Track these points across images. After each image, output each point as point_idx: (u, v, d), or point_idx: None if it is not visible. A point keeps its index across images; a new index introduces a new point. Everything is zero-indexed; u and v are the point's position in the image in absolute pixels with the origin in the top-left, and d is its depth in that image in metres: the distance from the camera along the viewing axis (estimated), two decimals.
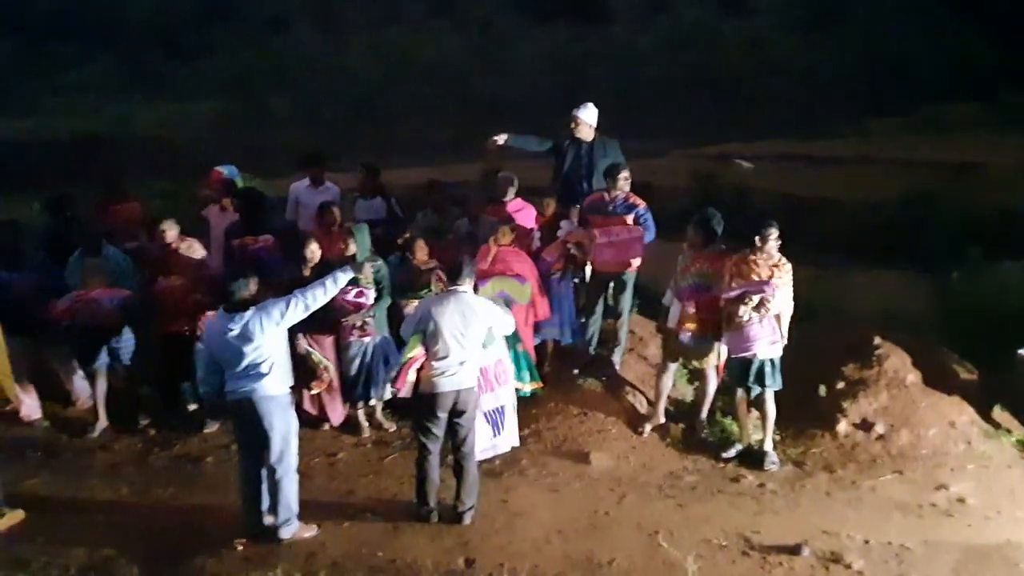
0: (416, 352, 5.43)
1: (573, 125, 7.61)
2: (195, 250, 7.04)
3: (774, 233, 6.39)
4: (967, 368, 7.48)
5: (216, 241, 7.56)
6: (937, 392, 7.08)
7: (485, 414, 5.90)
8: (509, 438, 6.10)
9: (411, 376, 5.42)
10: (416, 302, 6.31)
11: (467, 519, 5.51)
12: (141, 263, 7.01)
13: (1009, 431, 6.97)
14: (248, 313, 5.17)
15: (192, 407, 7.01)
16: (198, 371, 5.49)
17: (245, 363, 5.15)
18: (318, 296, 5.29)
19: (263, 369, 5.16)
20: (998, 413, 7.09)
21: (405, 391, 5.44)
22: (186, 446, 6.74)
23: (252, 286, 5.27)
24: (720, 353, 6.72)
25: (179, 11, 30.78)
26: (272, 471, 5.26)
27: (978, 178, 14.34)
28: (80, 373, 7.16)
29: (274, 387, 5.22)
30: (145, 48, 30.10)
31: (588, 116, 7.61)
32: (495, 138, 7.66)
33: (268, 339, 5.15)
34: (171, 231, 6.96)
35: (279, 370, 5.24)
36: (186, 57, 29.88)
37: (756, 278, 6.36)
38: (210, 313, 5.90)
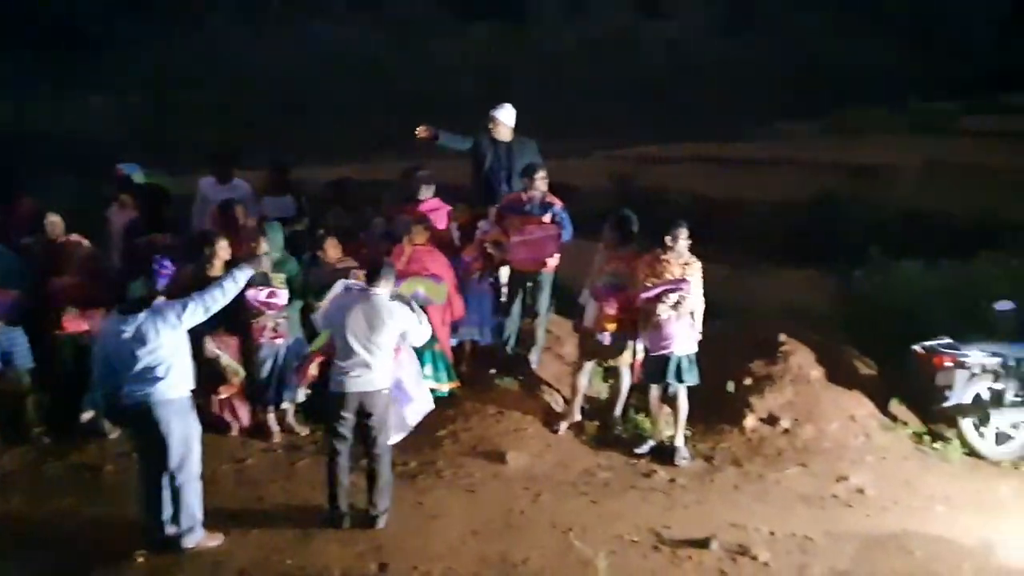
0: (320, 347, 5.37)
1: (492, 125, 7.59)
2: (84, 246, 6.77)
3: (684, 233, 6.57)
4: (867, 363, 7.76)
5: (115, 239, 7.30)
6: (839, 387, 7.33)
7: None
8: (420, 406, 5.92)
9: (313, 370, 5.33)
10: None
11: (381, 523, 5.44)
12: (32, 261, 6.70)
13: (906, 424, 7.26)
14: (142, 315, 4.99)
15: (89, 413, 6.73)
16: (94, 375, 5.26)
17: (140, 366, 4.97)
18: (217, 298, 5.14)
19: (159, 372, 4.98)
20: (895, 406, 7.36)
21: (304, 384, 5.36)
22: (84, 454, 6.46)
23: (149, 287, 5.11)
24: (636, 351, 6.81)
25: (87, 2, 29.61)
26: (173, 478, 5.08)
27: (883, 180, 14.92)
28: None
29: (172, 390, 5.03)
30: (51, 40, 28.84)
31: (506, 117, 7.61)
32: (423, 127, 7.58)
33: (164, 342, 4.98)
34: (59, 225, 6.67)
35: (177, 373, 5.06)
36: (94, 50, 28.74)
37: (669, 277, 6.50)
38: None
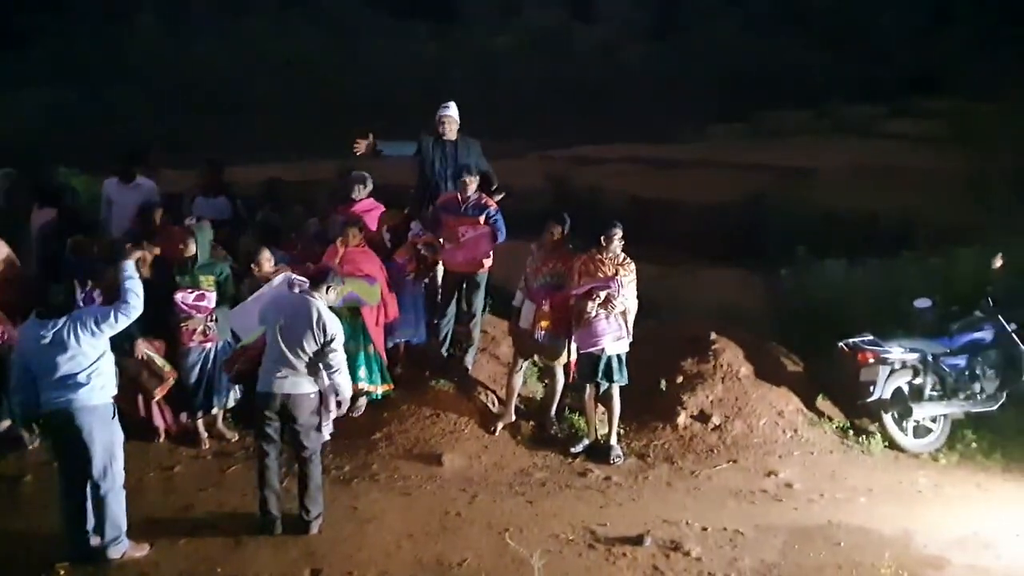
0: (252, 341, 5.35)
1: (443, 123, 7.47)
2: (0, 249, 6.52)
3: (618, 234, 6.67)
4: (794, 360, 7.96)
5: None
6: (767, 384, 7.50)
7: None
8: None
9: (240, 364, 5.26)
10: None
11: (314, 528, 5.37)
12: None
13: (831, 419, 7.47)
14: (62, 320, 4.84)
15: (6, 423, 6.47)
16: (11, 381, 5.06)
17: (60, 373, 4.82)
18: (132, 301, 4.98)
19: (81, 379, 4.83)
20: (821, 402, 7.58)
21: (232, 376, 5.41)
22: (2, 465, 6.23)
23: (68, 291, 4.95)
24: (571, 351, 6.87)
25: None
26: (96, 487, 4.93)
27: (808, 182, 15.28)
28: None
29: (94, 397, 4.89)
30: None
31: (454, 114, 7.53)
32: (360, 141, 7.39)
33: (85, 348, 4.84)
34: None
35: (100, 379, 4.91)
36: (13, 44, 27.63)
37: (602, 276, 6.57)
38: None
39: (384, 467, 6.37)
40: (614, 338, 6.58)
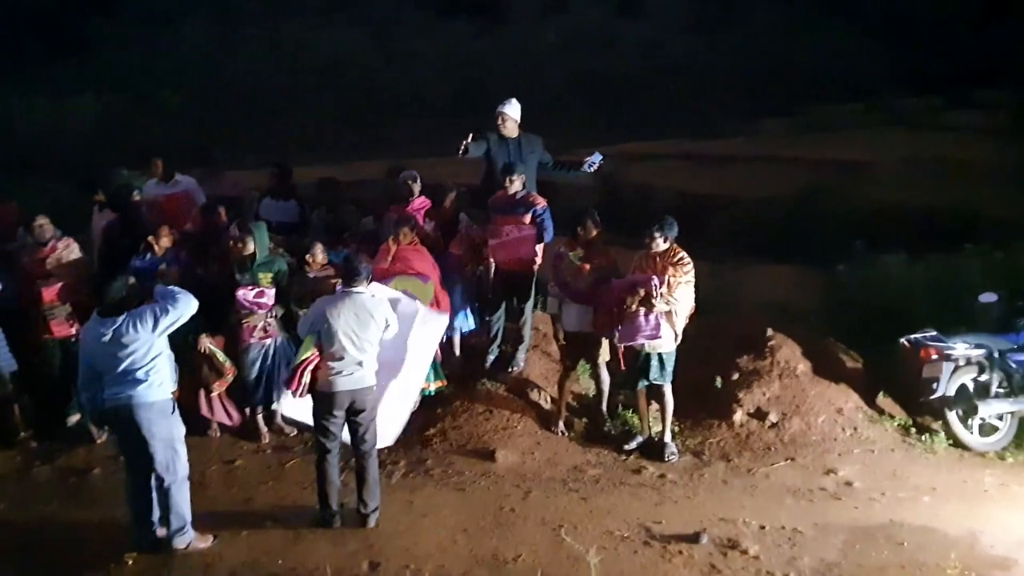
0: (309, 354, 5.34)
1: (500, 122, 7.47)
2: (73, 250, 6.71)
3: (656, 233, 6.54)
4: (853, 357, 7.81)
5: (96, 241, 7.27)
6: (825, 381, 7.37)
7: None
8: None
9: (306, 378, 5.33)
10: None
11: (371, 522, 5.43)
12: (18, 265, 6.62)
13: (892, 416, 7.31)
14: (121, 317, 4.96)
15: (75, 417, 6.68)
16: (80, 374, 5.22)
17: (120, 369, 4.94)
18: (182, 298, 5.09)
19: (139, 375, 4.95)
20: (882, 399, 7.42)
21: (300, 392, 5.34)
22: (70, 458, 6.42)
23: (128, 289, 5.07)
24: (612, 347, 6.82)
25: (59, 4, 29.23)
26: (160, 480, 5.05)
27: (862, 175, 15.01)
28: None
29: (153, 393, 5.00)
30: (23, 42, 28.48)
31: (513, 111, 7.52)
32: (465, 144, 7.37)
33: (142, 345, 4.95)
34: (48, 227, 6.61)
35: (157, 375, 5.02)
36: (68, 51, 28.41)
37: (651, 273, 6.51)
38: None
39: (438, 462, 6.41)
40: (648, 336, 6.45)
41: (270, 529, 5.42)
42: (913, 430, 7.20)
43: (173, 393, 5.15)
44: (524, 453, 6.62)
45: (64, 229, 7.03)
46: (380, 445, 5.90)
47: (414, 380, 6.28)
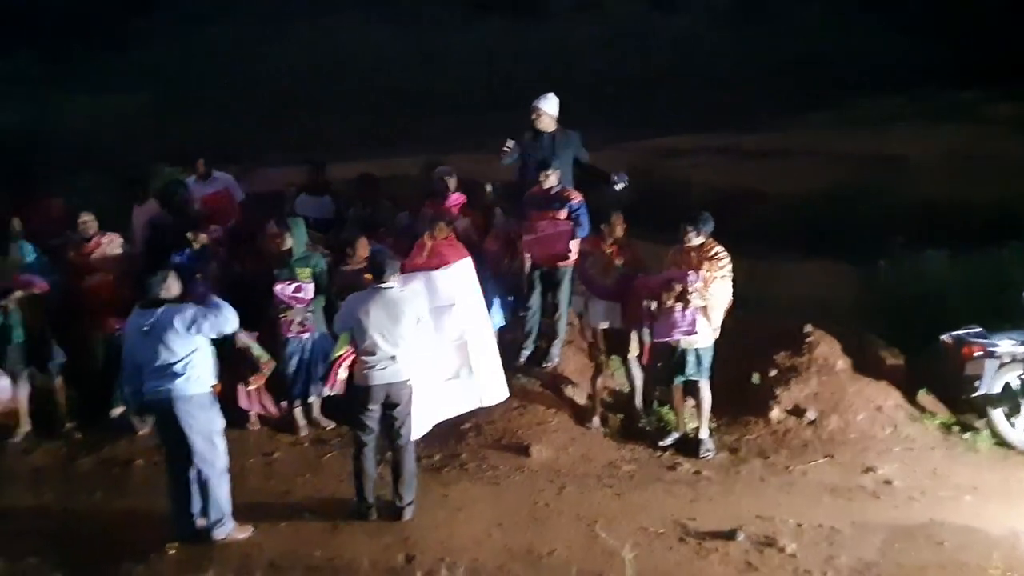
0: (344, 350, 5.42)
1: (535, 116, 7.48)
2: (117, 245, 6.85)
3: (689, 228, 6.50)
4: (893, 354, 7.69)
5: (137, 236, 7.40)
6: (865, 378, 7.28)
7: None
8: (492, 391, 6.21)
9: (342, 374, 5.40)
10: None
11: (407, 514, 5.48)
12: (63, 260, 6.77)
13: (933, 414, 7.20)
14: (160, 311, 5.05)
15: (119, 409, 6.81)
16: (124, 366, 5.33)
17: (159, 362, 5.03)
18: (226, 314, 5.20)
19: (178, 369, 5.03)
20: (923, 397, 7.30)
21: (337, 388, 5.41)
22: (114, 449, 6.56)
23: (170, 282, 5.14)
24: (641, 342, 6.81)
25: (99, 3, 29.75)
26: (199, 472, 5.14)
27: (902, 170, 14.73)
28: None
29: (190, 387, 5.08)
30: (65, 40, 29.05)
31: (549, 107, 7.50)
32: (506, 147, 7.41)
33: (180, 340, 5.03)
34: (92, 223, 6.75)
35: (195, 370, 5.10)
36: (108, 49, 28.92)
37: (686, 269, 6.47)
38: None
39: (473, 457, 6.44)
40: (683, 332, 6.44)
41: (308, 521, 5.50)
42: (955, 428, 7.08)
43: (213, 387, 5.23)
44: (558, 448, 6.62)
45: (104, 225, 7.18)
46: (500, 400, 6.20)
47: (487, 331, 6.39)
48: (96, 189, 11.15)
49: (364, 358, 5.40)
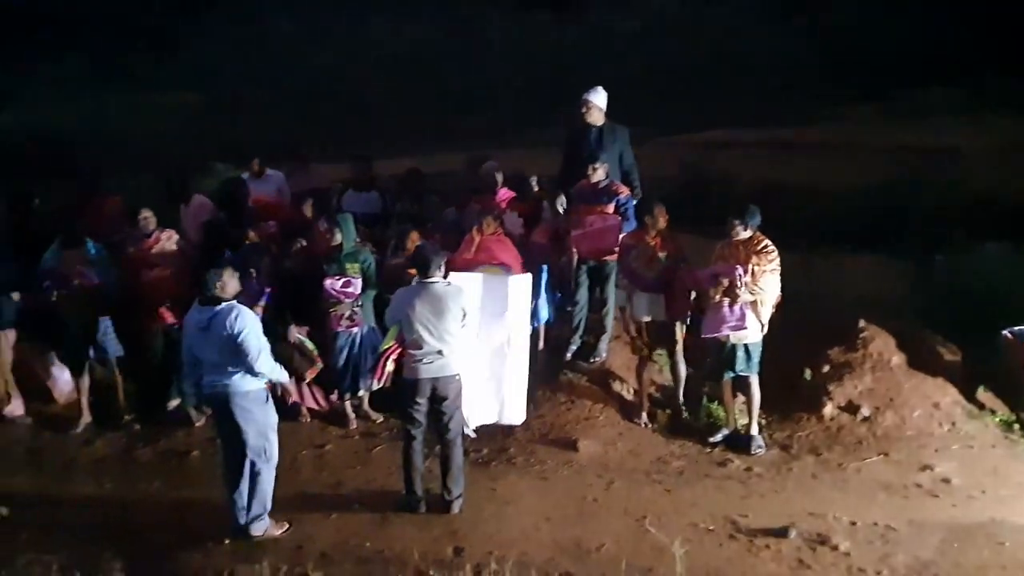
0: (391, 344, 5.46)
1: (584, 109, 7.45)
2: (175, 241, 7.00)
3: (736, 223, 6.43)
4: (951, 349, 7.53)
5: (190, 233, 7.54)
6: (921, 374, 7.13)
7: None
8: (512, 411, 6.26)
9: (389, 367, 5.44)
10: None
11: (455, 508, 5.52)
12: (123, 256, 6.94)
13: (993, 411, 7.03)
14: (220, 308, 5.13)
15: (175, 401, 6.97)
16: (183, 359, 5.46)
17: (216, 357, 5.13)
18: (272, 368, 5.27)
19: (234, 364, 5.12)
20: (982, 394, 7.13)
21: (385, 381, 5.46)
22: (171, 441, 6.70)
23: (227, 280, 5.22)
24: (682, 334, 6.78)
25: (153, 3, 30.40)
26: (252, 465, 5.23)
27: (958, 162, 14.37)
28: (60, 368, 7.09)
29: (247, 382, 5.17)
30: (120, 41, 29.75)
31: (599, 99, 7.47)
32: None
33: (234, 340, 5.09)
34: (152, 220, 6.91)
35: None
36: (162, 49, 29.54)
37: (734, 263, 6.40)
38: None
39: (521, 451, 6.45)
40: (733, 327, 6.38)
41: (358, 512, 5.57)
42: (1016, 426, 6.90)
43: (267, 383, 5.31)
44: (606, 443, 6.60)
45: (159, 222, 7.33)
46: (516, 422, 6.24)
47: (525, 351, 6.45)
48: (148, 187, 11.42)
49: (411, 352, 5.45)
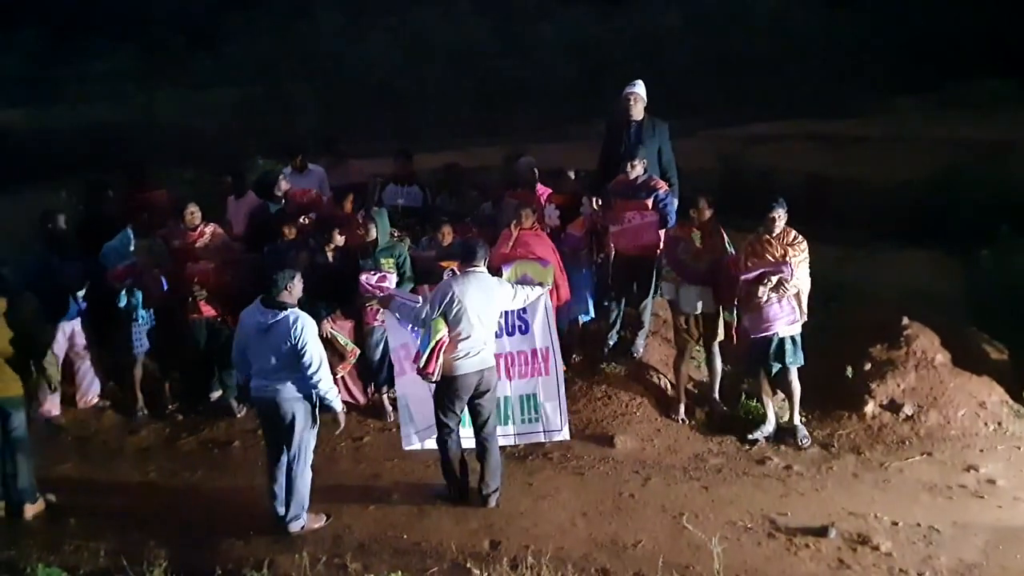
0: (442, 335, 5.36)
1: (629, 103, 7.38)
2: (219, 235, 7.12)
3: (777, 214, 6.36)
4: (997, 348, 7.37)
5: (233, 226, 7.66)
6: (966, 372, 6.98)
7: (522, 397, 5.96)
8: (552, 426, 6.03)
9: (441, 358, 5.34)
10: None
11: (492, 501, 5.55)
12: (169, 249, 7.07)
13: None
14: (285, 314, 5.17)
15: (217, 392, 7.10)
16: (233, 356, 5.53)
17: (270, 363, 5.18)
18: (330, 390, 5.31)
19: (288, 370, 5.18)
20: None
21: (436, 375, 5.35)
22: (213, 431, 6.84)
23: (295, 285, 5.27)
24: (727, 328, 6.74)
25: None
26: (290, 467, 5.29)
27: (1005, 156, 14.01)
28: (93, 377, 7.21)
29: (298, 390, 5.23)
30: (168, 36, 30.28)
31: (641, 93, 7.43)
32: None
33: (293, 349, 5.14)
34: (198, 214, 7.03)
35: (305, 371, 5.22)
36: (208, 45, 29.99)
37: (771, 258, 6.34)
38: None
39: (557, 446, 6.42)
40: (787, 322, 6.36)
41: (396, 505, 5.64)
42: None
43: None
44: (643, 439, 6.58)
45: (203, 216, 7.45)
46: (561, 438, 6.01)
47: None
48: (194, 181, 11.62)
49: (459, 345, 5.38)
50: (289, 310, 5.19)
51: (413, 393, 5.81)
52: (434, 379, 5.39)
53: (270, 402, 5.23)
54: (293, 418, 5.21)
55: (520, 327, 5.98)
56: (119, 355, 7.14)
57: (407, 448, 5.93)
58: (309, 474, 5.37)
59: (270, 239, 7.00)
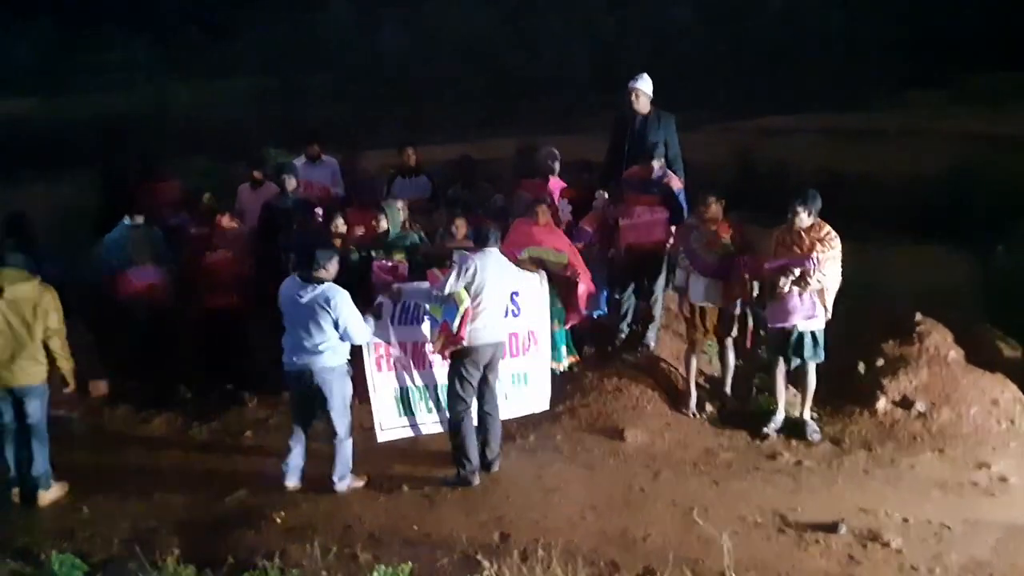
0: (467, 304, 5.56)
1: (633, 97, 7.38)
2: (235, 223, 7.15)
3: (800, 209, 6.30)
4: (1011, 345, 7.33)
5: (248, 215, 7.68)
6: (979, 369, 6.95)
7: (513, 375, 6.24)
8: (538, 401, 6.44)
9: (467, 326, 5.55)
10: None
11: (495, 467, 5.84)
12: (183, 239, 7.10)
13: None
14: (322, 287, 5.40)
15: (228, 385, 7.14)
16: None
17: (307, 334, 5.42)
18: (362, 333, 5.61)
19: (324, 345, 5.43)
20: None
21: (467, 340, 5.57)
22: (225, 420, 6.88)
23: (332, 264, 5.51)
24: (745, 326, 6.71)
25: None
26: (334, 434, 5.60)
27: (1020, 151, 13.91)
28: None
29: (333, 359, 5.50)
30: (183, 27, 30.38)
31: (645, 87, 7.40)
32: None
33: (329, 322, 5.41)
34: (213, 203, 7.07)
35: (340, 344, 5.52)
36: (222, 35, 30.10)
37: (798, 251, 6.29)
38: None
39: (567, 439, 6.45)
40: (805, 316, 6.32)
41: (406, 494, 5.68)
42: None
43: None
44: (654, 433, 6.57)
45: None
46: (538, 409, 6.41)
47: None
48: (207, 171, 11.67)
49: (479, 315, 5.60)
50: (325, 284, 5.44)
51: (384, 387, 6.06)
52: (465, 343, 5.59)
53: (307, 373, 5.47)
54: (331, 386, 5.49)
55: (513, 311, 6.21)
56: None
57: (381, 441, 6.09)
58: (350, 441, 5.67)
59: (283, 230, 7.02)
